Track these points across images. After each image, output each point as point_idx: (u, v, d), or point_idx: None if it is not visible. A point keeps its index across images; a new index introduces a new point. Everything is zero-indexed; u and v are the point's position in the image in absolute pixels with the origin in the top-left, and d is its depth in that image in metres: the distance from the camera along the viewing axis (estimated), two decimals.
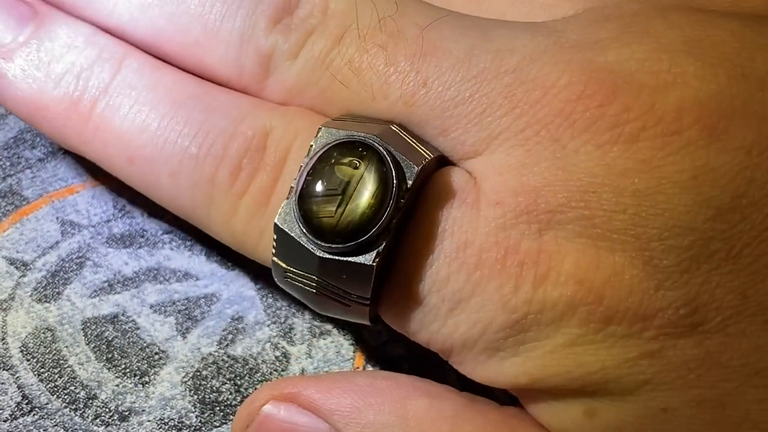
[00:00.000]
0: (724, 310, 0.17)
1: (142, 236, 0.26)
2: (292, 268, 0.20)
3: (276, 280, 0.21)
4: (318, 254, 0.19)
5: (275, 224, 0.19)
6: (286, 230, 0.19)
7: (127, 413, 0.22)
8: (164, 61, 0.23)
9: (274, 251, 0.20)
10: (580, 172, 0.18)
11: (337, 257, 0.19)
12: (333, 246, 0.18)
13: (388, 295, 0.20)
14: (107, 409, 0.22)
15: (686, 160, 0.18)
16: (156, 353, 0.24)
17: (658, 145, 0.18)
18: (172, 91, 0.22)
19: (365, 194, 0.18)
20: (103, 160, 0.23)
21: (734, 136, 0.18)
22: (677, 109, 0.18)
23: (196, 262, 0.26)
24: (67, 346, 0.24)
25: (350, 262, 0.18)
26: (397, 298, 0.19)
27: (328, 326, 0.24)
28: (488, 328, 0.18)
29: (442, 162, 0.20)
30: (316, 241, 0.19)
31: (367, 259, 0.18)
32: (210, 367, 0.23)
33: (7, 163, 0.28)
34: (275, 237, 0.19)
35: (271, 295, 0.25)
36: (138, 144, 0.22)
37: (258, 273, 0.25)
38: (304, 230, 0.19)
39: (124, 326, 0.24)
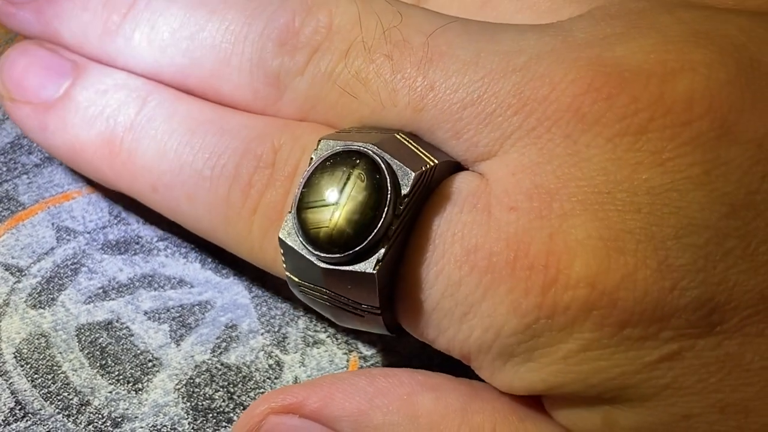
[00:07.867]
0: (742, 309, 0.17)
1: (138, 243, 0.26)
2: (303, 282, 0.20)
3: (295, 294, 0.21)
4: (320, 265, 0.19)
5: (279, 238, 0.19)
6: (289, 243, 0.19)
7: (120, 420, 0.22)
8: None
9: (284, 265, 0.20)
10: (592, 169, 0.18)
11: (337, 267, 0.18)
12: (332, 256, 0.18)
13: (401, 303, 0.19)
14: (100, 416, 0.22)
15: (697, 152, 0.17)
16: (149, 360, 0.24)
17: (667, 136, 0.17)
18: (188, 119, 0.23)
19: (358, 202, 0.18)
20: (134, 191, 0.24)
21: (745, 129, 0.17)
22: (687, 99, 0.17)
23: (191, 269, 0.26)
24: (60, 353, 0.24)
25: (351, 271, 0.18)
26: (411, 304, 0.19)
27: (322, 335, 0.24)
28: (500, 332, 0.18)
29: (457, 168, 0.20)
30: (315, 252, 0.18)
31: (367, 267, 0.18)
32: (203, 374, 0.23)
33: (4, 169, 0.28)
34: (282, 251, 0.19)
35: (265, 303, 0.25)
36: (158, 172, 0.22)
37: (252, 281, 0.25)
38: (303, 242, 0.19)
39: (118, 333, 0.24)
